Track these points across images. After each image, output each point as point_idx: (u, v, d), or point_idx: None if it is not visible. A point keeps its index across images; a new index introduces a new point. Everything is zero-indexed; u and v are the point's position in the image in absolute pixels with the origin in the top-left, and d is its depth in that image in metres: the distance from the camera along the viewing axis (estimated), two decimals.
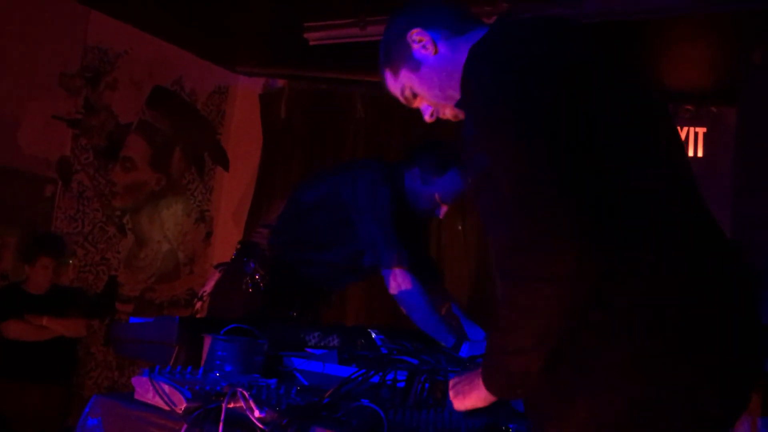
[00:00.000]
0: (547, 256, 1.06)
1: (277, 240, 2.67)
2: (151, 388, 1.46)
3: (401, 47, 1.49)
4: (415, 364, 1.69)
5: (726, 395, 1.14)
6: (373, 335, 2.21)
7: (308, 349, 2.00)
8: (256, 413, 1.33)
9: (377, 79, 1.59)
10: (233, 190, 5.51)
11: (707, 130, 4.44)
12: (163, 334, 1.80)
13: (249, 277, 2.60)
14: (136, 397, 1.53)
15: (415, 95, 1.53)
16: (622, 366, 1.10)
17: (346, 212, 2.54)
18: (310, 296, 2.77)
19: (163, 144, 5.14)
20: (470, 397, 1.27)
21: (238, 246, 2.77)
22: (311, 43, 4.28)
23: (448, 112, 1.51)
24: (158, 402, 1.45)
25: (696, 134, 4.44)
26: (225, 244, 5.08)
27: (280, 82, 5.38)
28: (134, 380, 1.55)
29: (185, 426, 1.36)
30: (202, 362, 1.65)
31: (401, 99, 1.56)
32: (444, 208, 2.64)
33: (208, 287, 2.77)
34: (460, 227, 4.63)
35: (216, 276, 2.78)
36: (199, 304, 2.81)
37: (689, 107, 4.45)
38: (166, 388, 1.44)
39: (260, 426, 1.32)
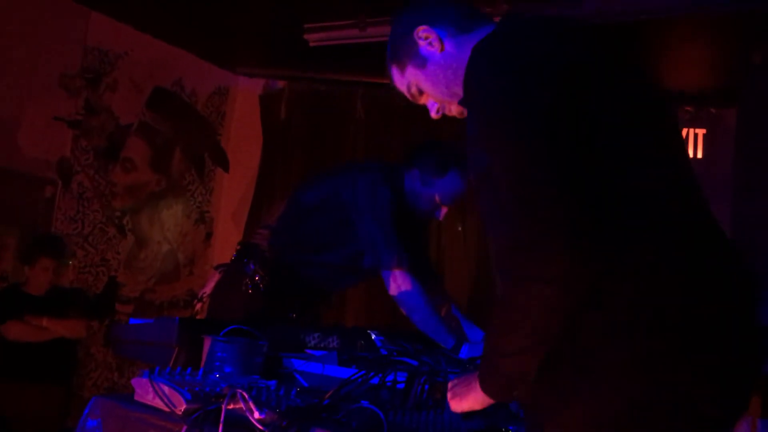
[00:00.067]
0: (546, 256, 1.06)
1: (277, 241, 2.67)
2: (150, 389, 1.46)
3: (408, 44, 1.49)
4: (414, 366, 1.69)
5: (726, 395, 1.14)
6: (373, 336, 2.21)
7: (308, 351, 2.00)
8: (256, 414, 1.33)
9: (377, 79, 1.59)
10: (233, 191, 5.51)
11: (707, 131, 4.44)
12: (162, 335, 1.80)
13: (249, 278, 2.60)
14: (136, 398, 1.54)
15: (421, 92, 1.53)
16: (622, 366, 1.10)
17: (346, 213, 2.54)
18: (310, 297, 2.76)
19: (163, 145, 5.14)
20: (467, 399, 1.27)
21: (238, 247, 2.77)
22: (311, 44, 4.27)
23: (454, 109, 1.51)
24: (158, 403, 1.45)
25: (696, 135, 4.44)
26: (225, 245, 5.08)
27: (280, 83, 5.38)
28: (134, 381, 1.55)
29: (185, 427, 1.36)
30: (202, 363, 1.65)
31: (407, 95, 1.56)
32: (444, 210, 2.63)
33: (208, 288, 2.77)
34: (460, 228, 4.63)
35: (216, 277, 2.77)
36: (198, 305, 2.81)
37: (689, 108, 4.45)
38: (166, 389, 1.44)
39: (260, 427, 1.32)
